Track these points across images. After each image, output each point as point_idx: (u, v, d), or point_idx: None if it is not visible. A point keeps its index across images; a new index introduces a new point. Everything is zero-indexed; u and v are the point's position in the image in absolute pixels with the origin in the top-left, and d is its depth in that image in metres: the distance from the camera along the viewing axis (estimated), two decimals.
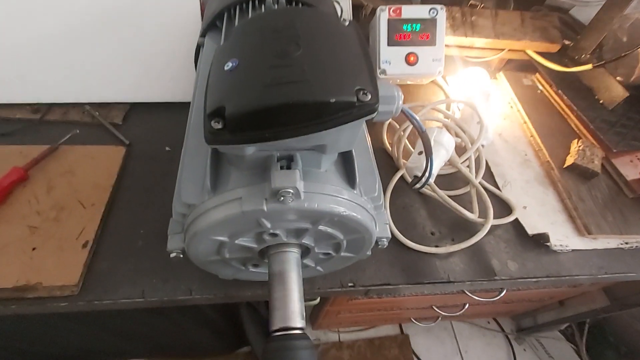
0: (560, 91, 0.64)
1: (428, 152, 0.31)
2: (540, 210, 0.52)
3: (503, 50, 0.68)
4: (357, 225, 0.28)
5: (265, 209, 0.24)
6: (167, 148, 0.53)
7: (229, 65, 0.23)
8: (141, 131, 0.55)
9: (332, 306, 0.84)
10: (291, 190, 0.23)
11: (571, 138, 0.60)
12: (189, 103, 0.37)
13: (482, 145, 0.56)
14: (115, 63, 0.55)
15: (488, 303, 0.83)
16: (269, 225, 0.27)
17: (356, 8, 0.69)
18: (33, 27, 0.52)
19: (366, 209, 0.29)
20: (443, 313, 0.92)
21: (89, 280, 0.40)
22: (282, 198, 0.24)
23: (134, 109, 0.57)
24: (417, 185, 0.36)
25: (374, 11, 0.65)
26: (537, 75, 0.69)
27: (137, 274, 0.41)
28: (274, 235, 0.29)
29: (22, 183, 0.46)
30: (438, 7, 0.58)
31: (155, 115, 0.57)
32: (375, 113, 0.22)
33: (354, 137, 0.25)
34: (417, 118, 0.28)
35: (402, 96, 0.25)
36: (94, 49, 0.54)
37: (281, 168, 0.25)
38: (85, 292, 0.40)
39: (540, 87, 0.68)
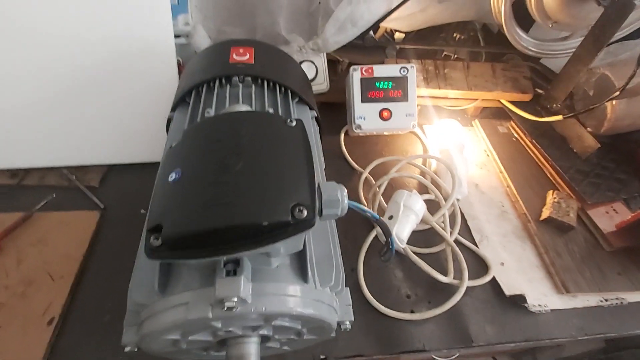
0: (534, 140, 0.65)
1: (387, 235, 0.31)
2: (517, 267, 0.52)
3: (477, 99, 0.70)
4: (312, 319, 0.28)
5: (210, 316, 0.24)
6: (142, 211, 0.53)
7: (172, 177, 0.23)
8: (117, 193, 0.55)
9: None
10: (236, 299, 0.23)
11: (547, 188, 0.60)
12: None
13: (458, 199, 0.57)
14: (94, 126, 0.56)
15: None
16: (219, 326, 0.26)
17: (332, 63, 0.71)
18: (12, 94, 0.53)
19: (322, 300, 0.28)
20: (438, 358, 0.89)
21: None
22: (226, 307, 0.23)
23: (112, 171, 0.58)
24: (383, 259, 0.36)
25: (350, 65, 0.68)
26: (512, 122, 0.71)
27: (101, 352, 0.40)
28: (228, 331, 0.28)
29: None
30: (408, 66, 0.60)
31: (132, 176, 0.57)
32: (313, 226, 0.22)
33: (300, 241, 0.25)
34: (368, 210, 0.28)
35: (347, 196, 0.25)
36: (73, 113, 0.55)
37: (227, 273, 0.24)
38: None
39: (516, 135, 0.70)
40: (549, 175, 0.63)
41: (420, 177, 0.56)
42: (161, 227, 0.21)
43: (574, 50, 0.64)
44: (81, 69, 0.54)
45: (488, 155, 0.68)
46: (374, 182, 0.58)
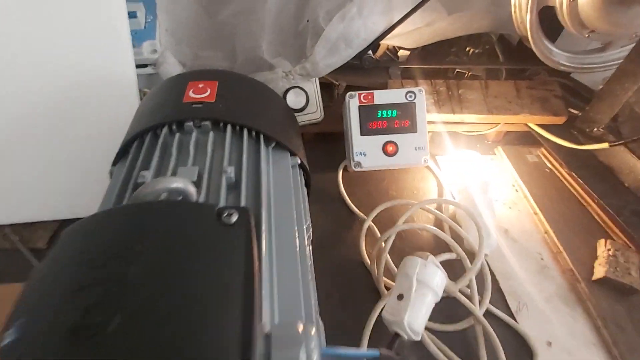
0: (573, 172, 0.53)
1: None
2: (569, 347, 0.40)
3: (499, 124, 0.59)
4: None
5: None
6: None
7: (7, 337, 0.13)
8: None
9: None
10: None
11: (597, 234, 0.48)
12: None
13: (486, 254, 0.45)
14: (42, 176, 0.47)
15: None
16: None
17: (327, 86, 0.62)
18: None
19: None
20: None
21: None
22: None
23: (64, 227, 0.49)
24: None
25: (347, 89, 0.58)
26: (543, 149, 0.59)
27: None
28: None
29: None
30: (416, 90, 0.50)
31: None
32: None
33: None
34: (357, 353, 0.17)
35: (318, 346, 0.15)
36: (16, 162, 0.47)
37: None
38: None
39: (549, 165, 0.58)
40: (596, 217, 0.51)
41: (436, 229, 0.45)
42: None
43: (615, 62, 0.53)
44: (23, 108, 0.46)
45: (517, 190, 0.56)
46: (379, 234, 0.47)
